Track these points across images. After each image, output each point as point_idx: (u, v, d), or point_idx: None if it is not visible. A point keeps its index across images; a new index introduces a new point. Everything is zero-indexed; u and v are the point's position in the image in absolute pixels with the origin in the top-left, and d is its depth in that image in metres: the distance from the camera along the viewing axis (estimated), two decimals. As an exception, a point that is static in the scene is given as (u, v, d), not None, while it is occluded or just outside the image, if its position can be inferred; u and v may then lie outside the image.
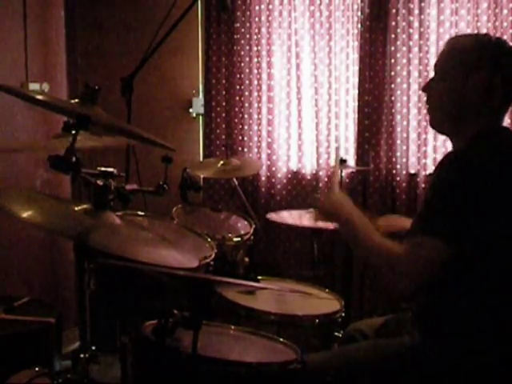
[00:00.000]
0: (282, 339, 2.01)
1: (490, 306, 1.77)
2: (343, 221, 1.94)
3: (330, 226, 3.18)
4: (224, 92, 4.14)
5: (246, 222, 3.08)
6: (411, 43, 3.73)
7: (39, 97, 1.90)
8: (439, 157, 3.74)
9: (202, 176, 3.65)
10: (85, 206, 1.70)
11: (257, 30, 4.03)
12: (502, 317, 1.77)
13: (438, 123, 1.96)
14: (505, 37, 3.56)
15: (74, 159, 1.64)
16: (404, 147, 3.79)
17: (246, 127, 4.12)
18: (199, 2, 4.00)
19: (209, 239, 2.60)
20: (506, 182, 1.75)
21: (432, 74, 1.97)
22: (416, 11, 3.70)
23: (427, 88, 1.96)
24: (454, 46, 1.93)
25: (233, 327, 2.10)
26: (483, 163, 1.74)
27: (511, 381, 1.77)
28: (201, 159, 4.21)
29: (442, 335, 1.81)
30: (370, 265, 1.87)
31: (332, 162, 3.92)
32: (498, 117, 1.89)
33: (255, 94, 4.08)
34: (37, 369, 2.11)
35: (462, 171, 1.74)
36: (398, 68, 3.76)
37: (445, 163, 1.81)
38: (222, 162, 3.37)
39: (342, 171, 3.72)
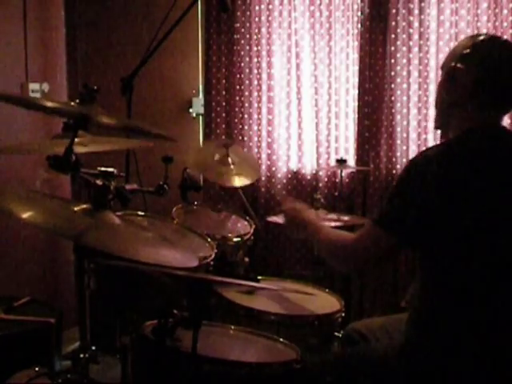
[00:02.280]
0: (281, 339, 2.02)
1: (481, 308, 1.77)
2: (302, 227, 2.16)
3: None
4: (224, 92, 4.14)
5: (245, 222, 3.08)
6: (411, 43, 3.73)
7: (36, 102, 1.89)
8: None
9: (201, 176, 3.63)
10: (85, 206, 1.70)
11: (257, 30, 4.03)
12: (494, 318, 1.77)
13: (434, 120, 1.99)
14: (505, 37, 3.57)
15: (73, 159, 1.65)
16: (404, 147, 3.79)
17: (246, 127, 4.12)
18: (199, 2, 4.00)
19: (209, 239, 2.60)
20: (451, 180, 1.75)
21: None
22: (416, 11, 3.70)
23: None
24: (454, 46, 1.97)
25: (233, 327, 2.10)
26: (424, 161, 1.78)
27: (505, 382, 1.77)
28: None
29: (438, 336, 1.81)
30: (322, 251, 2.05)
31: (332, 162, 3.91)
32: (490, 116, 1.85)
33: (255, 94, 4.08)
34: (37, 369, 2.11)
35: (408, 168, 1.82)
36: (398, 68, 3.76)
37: (415, 159, 1.86)
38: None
39: (341, 171, 3.72)
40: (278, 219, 3.54)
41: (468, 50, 1.84)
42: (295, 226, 2.21)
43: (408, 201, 1.77)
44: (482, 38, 1.91)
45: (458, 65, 1.83)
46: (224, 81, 4.13)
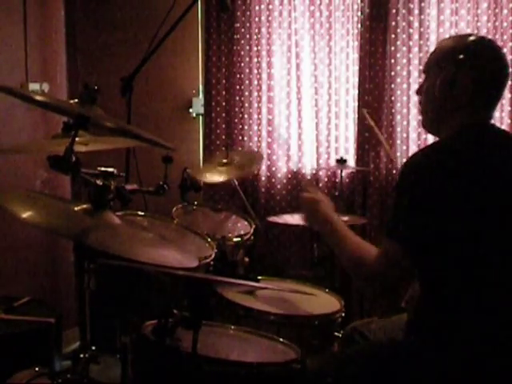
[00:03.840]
0: (281, 339, 2.01)
1: (481, 309, 1.77)
2: (322, 221, 2.02)
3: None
4: (224, 92, 4.14)
5: (245, 222, 3.08)
6: (411, 43, 3.73)
7: (38, 97, 1.90)
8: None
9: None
10: (85, 206, 1.70)
11: (257, 30, 4.03)
12: (494, 319, 1.77)
13: (424, 122, 2.02)
14: (505, 37, 3.57)
15: (73, 159, 1.64)
16: (404, 147, 3.79)
17: (246, 127, 4.12)
18: (199, 2, 4.00)
19: (209, 239, 2.60)
20: (454, 182, 1.75)
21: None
22: (416, 11, 3.70)
23: (419, 89, 2.00)
24: (437, 47, 1.98)
25: (233, 327, 2.10)
26: (445, 163, 1.76)
27: (504, 382, 1.77)
28: (201, 159, 4.21)
29: (437, 337, 1.81)
30: (343, 265, 1.97)
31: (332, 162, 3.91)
32: (479, 114, 1.88)
33: (255, 94, 4.08)
34: (37, 369, 2.11)
35: (408, 175, 1.79)
36: (398, 68, 3.76)
37: (410, 162, 1.85)
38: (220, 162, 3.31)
39: (341, 171, 3.72)
40: (278, 219, 3.55)
41: (462, 56, 1.84)
42: (313, 218, 2.09)
43: (412, 207, 1.75)
44: (472, 39, 1.90)
45: (457, 72, 1.84)
46: (224, 81, 4.13)
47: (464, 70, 1.83)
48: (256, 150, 4.09)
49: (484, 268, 1.76)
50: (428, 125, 2.01)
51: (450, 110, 1.87)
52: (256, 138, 4.11)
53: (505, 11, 3.57)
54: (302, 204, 2.15)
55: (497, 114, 3.56)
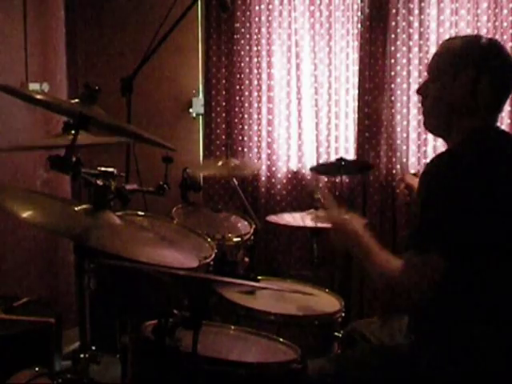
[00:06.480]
0: (281, 339, 2.01)
1: (485, 313, 1.77)
2: (353, 242, 1.99)
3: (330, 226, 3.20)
4: (224, 92, 4.14)
5: (246, 222, 3.08)
6: (411, 43, 3.73)
7: (39, 97, 1.90)
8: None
9: (202, 176, 3.64)
10: (85, 206, 1.69)
11: (257, 30, 4.03)
12: (497, 324, 1.77)
13: (432, 125, 1.98)
14: (505, 37, 3.57)
15: (73, 159, 1.65)
16: (404, 147, 3.79)
17: (246, 127, 4.12)
18: (199, 2, 4.00)
19: (209, 239, 2.59)
20: (495, 183, 1.74)
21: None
22: (416, 11, 3.70)
23: (422, 90, 1.97)
24: (445, 47, 1.95)
25: (233, 327, 2.10)
26: (471, 167, 1.74)
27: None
28: (201, 159, 4.21)
29: (437, 339, 1.81)
30: (375, 284, 1.94)
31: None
32: (490, 117, 1.88)
33: (255, 94, 4.08)
34: (37, 369, 2.11)
35: (451, 178, 1.74)
36: (398, 68, 3.76)
37: (433, 169, 1.80)
38: (221, 163, 3.34)
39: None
40: (278, 219, 3.55)
41: (482, 59, 1.83)
42: (344, 237, 2.05)
43: (453, 214, 1.71)
44: (485, 42, 1.89)
45: (478, 76, 1.82)
46: (224, 81, 4.14)
47: (485, 74, 1.82)
48: (256, 150, 4.09)
49: (497, 271, 1.76)
50: (434, 128, 1.97)
51: (463, 113, 1.85)
52: (256, 138, 4.11)
53: (505, 11, 3.58)
54: (333, 225, 2.11)
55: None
